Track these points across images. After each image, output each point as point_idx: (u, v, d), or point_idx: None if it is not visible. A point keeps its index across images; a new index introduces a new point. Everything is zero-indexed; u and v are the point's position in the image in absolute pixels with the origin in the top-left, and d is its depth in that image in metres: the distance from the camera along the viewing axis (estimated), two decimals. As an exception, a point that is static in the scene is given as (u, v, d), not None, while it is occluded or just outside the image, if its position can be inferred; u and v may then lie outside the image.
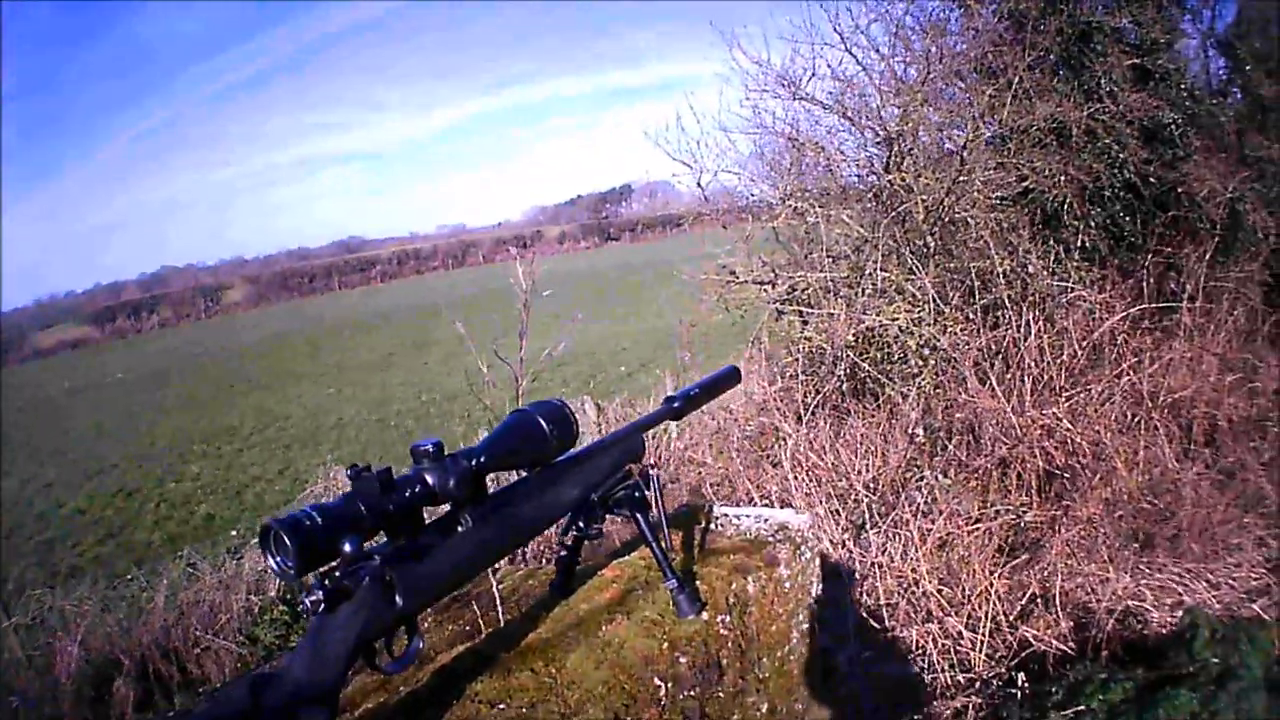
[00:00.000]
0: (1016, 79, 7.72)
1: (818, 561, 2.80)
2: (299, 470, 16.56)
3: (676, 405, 2.53)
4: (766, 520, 2.82)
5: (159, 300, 75.59)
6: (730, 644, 2.35)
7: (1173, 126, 8.60)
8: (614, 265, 53.90)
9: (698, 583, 2.40)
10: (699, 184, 8.73)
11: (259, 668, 4.16)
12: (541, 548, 5.30)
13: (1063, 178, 8.19)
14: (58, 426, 29.81)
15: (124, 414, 29.87)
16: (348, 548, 1.64)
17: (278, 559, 1.63)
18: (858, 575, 4.70)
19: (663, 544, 2.33)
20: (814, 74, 8.31)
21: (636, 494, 2.34)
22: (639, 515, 2.33)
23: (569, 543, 2.45)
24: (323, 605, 1.66)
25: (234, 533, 11.47)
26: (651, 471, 2.37)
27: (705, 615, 2.32)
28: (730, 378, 2.79)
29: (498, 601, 2.54)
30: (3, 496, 19.11)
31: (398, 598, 1.78)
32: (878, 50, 8.37)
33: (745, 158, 8.81)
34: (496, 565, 2.35)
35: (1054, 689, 4.06)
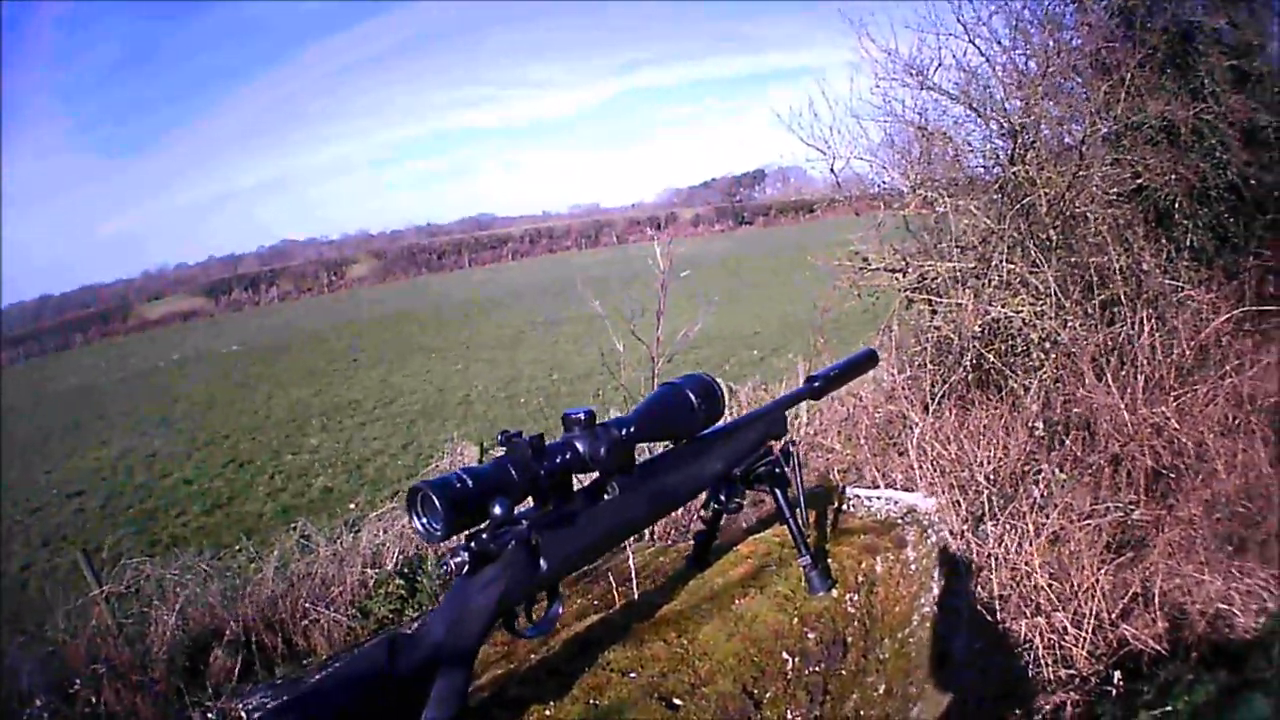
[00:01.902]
0: (1129, 75, 7.63)
1: (941, 546, 2.80)
2: (423, 445, 16.48)
3: (817, 385, 2.53)
4: (896, 503, 2.84)
5: (278, 274, 75.53)
6: (856, 623, 2.37)
7: (1270, 129, 8.46)
8: (747, 249, 53.40)
9: (829, 560, 2.42)
10: (832, 170, 8.71)
11: (390, 631, 4.17)
12: (668, 528, 5.33)
13: (1173, 176, 8.08)
14: (165, 397, 29.79)
15: (238, 386, 29.89)
16: (498, 510, 1.65)
17: (424, 520, 1.65)
18: (974, 566, 4.69)
19: (800, 520, 2.34)
20: (940, 64, 8.30)
21: (777, 470, 2.35)
22: (778, 491, 2.34)
23: (708, 516, 2.47)
24: (467, 567, 1.68)
25: (352, 506, 11.41)
26: (791, 449, 2.38)
27: (835, 593, 2.34)
28: (868, 360, 2.79)
29: (632, 574, 2.56)
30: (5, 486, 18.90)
31: (542, 562, 1.80)
32: (999, 42, 8.34)
33: (876, 145, 8.78)
34: (630, 540, 2.36)
35: (1145, 688, 4.04)
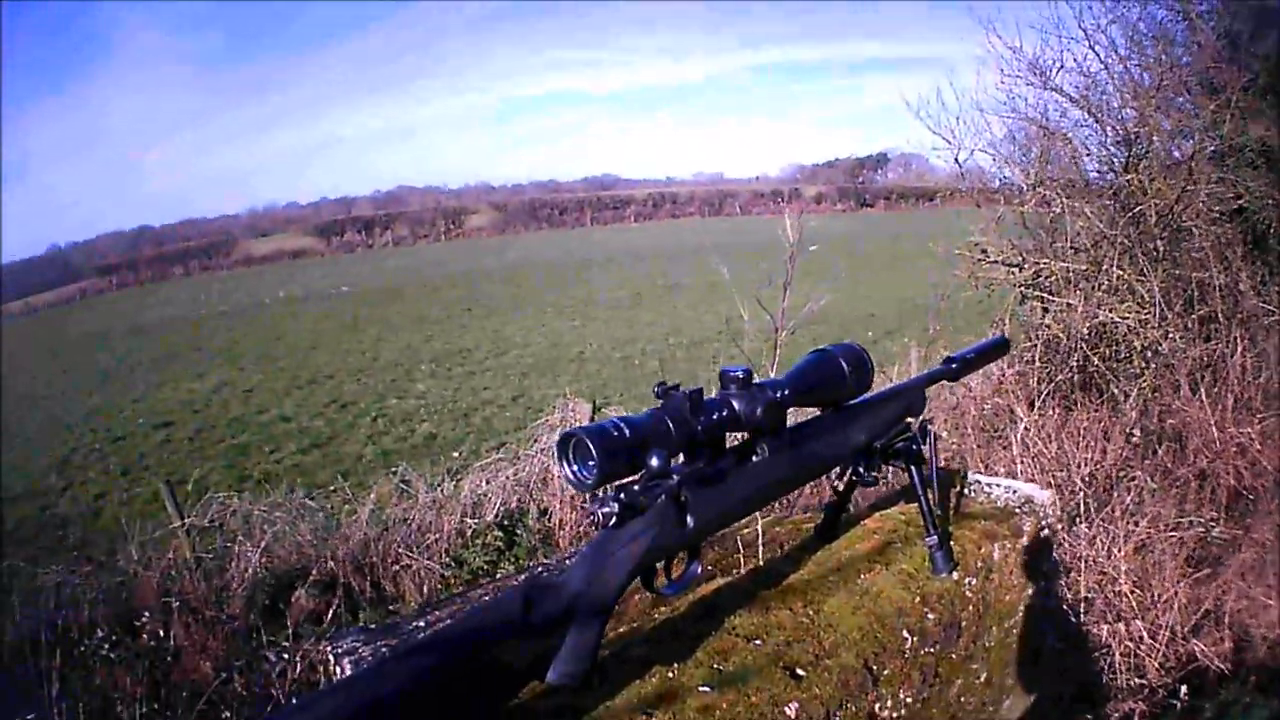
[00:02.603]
0: (1234, 98, 7.61)
1: (1050, 538, 2.85)
2: (533, 399, 16.10)
3: (955, 366, 2.57)
4: (1015, 492, 2.88)
5: (394, 218, 74.95)
6: (971, 607, 2.41)
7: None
8: (867, 231, 52.48)
9: (951, 543, 2.47)
10: (956, 160, 8.80)
11: (534, 573, 4.19)
12: (790, 503, 5.37)
13: (1271, 200, 8.04)
14: (267, 334, 29.63)
15: (347, 328, 29.39)
16: (655, 461, 1.66)
17: (575, 468, 1.66)
18: (1064, 567, 4.72)
19: (930, 500, 2.38)
20: (1061, 66, 8.33)
21: (914, 447, 2.39)
22: (914, 468, 2.38)
23: (841, 488, 2.53)
24: (615, 519, 1.68)
25: (456, 454, 11.23)
26: (930, 427, 2.42)
27: (955, 575, 2.38)
28: (1000, 347, 2.84)
29: (759, 541, 2.62)
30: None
31: (689, 519, 1.82)
32: (1117, 51, 8.34)
33: (998, 140, 8.87)
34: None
35: (1207, 705, 4.06)
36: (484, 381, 19.55)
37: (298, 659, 5.27)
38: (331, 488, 8.48)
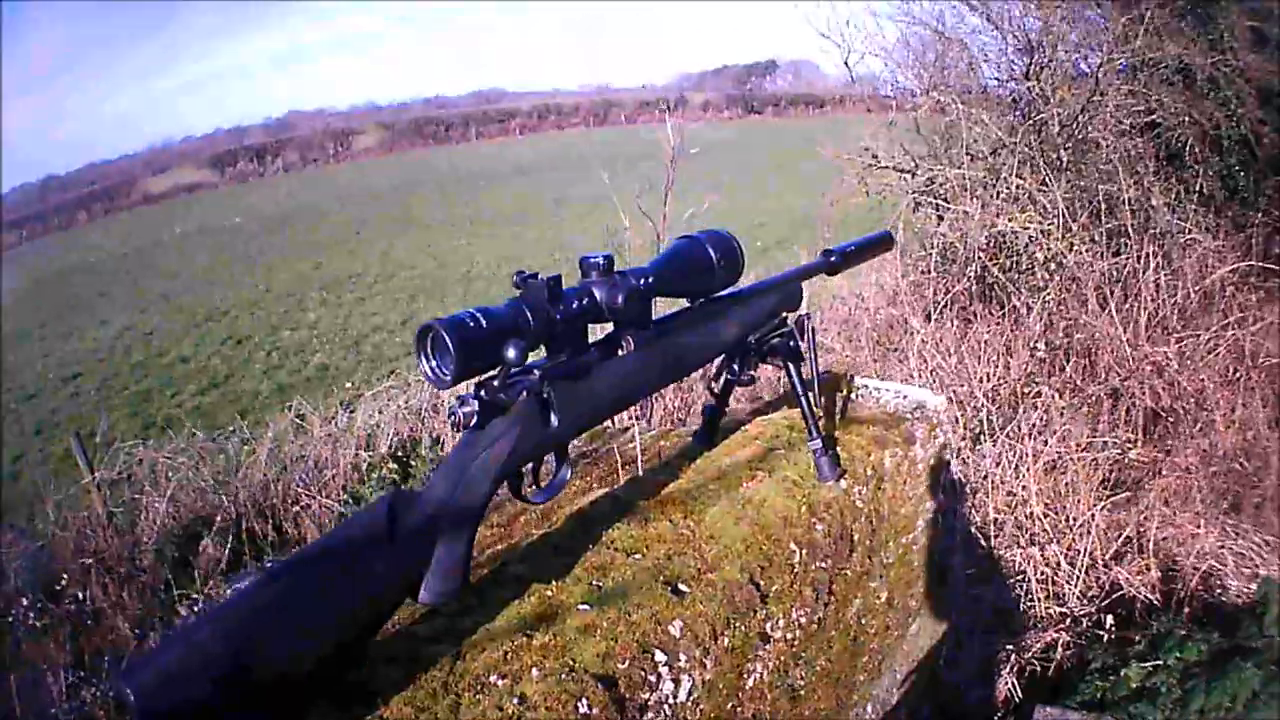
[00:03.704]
0: (1149, 13, 7.65)
1: (947, 451, 2.77)
2: (423, 321, 15.75)
3: (834, 260, 2.47)
4: (905, 397, 2.79)
5: (284, 144, 73.76)
6: (864, 519, 2.33)
7: (1284, 93, 8.47)
8: (755, 138, 52.23)
9: (838, 449, 2.37)
10: (846, 64, 8.88)
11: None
12: (668, 414, 5.31)
13: (1186, 119, 8.17)
14: (165, 273, 29.44)
15: (240, 260, 29.42)
16: (512, 353, 1.57)
17: (433, 363, 1.58)
18: (970, 487, 4.68)
19: (812, 402, 2.29)
20: (961, -29, 8.27)
21: (792, 343, 2.30)
22: (791, 365, 2.29)
23: (717, 389, 2.43)
24: (475, 418, 1.61)
25: (349, 384, 11.23)
26: (807, 322, 2.33)
27: (844, 484, 2.29)
28: (883, 242, 2.74)
29: (638, 451, 2.52)
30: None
31: (554, 418, 1.75)
32: (1022, -42, 8.29)
33: (891, 45, 8.96)
34: (633, 416, 2.32)
35: (1137, 637, 4.02)
36: (373, 307, 19.90)
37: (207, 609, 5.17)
38: (230, 429, 8.37)
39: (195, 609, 5.24)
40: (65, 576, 5.76)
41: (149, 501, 6.59)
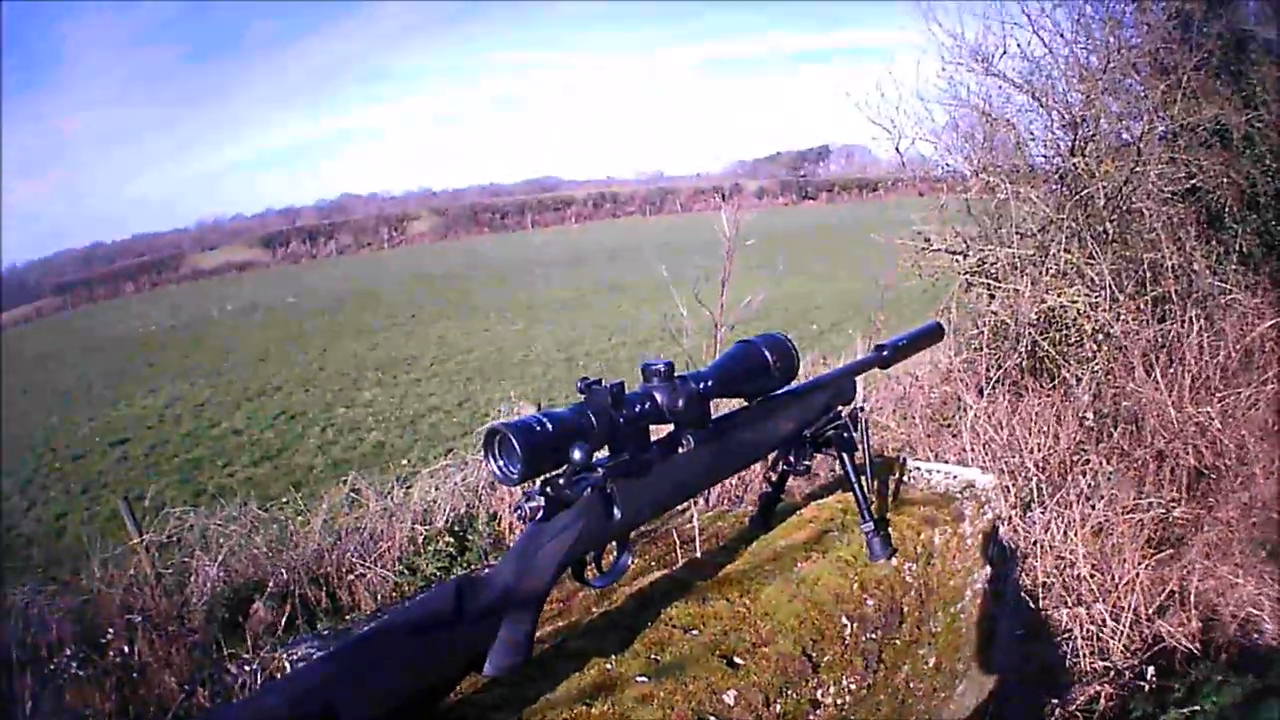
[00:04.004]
0: (1185, 78, 7.68)
1: (997, 522, 2.83)
2: (479, 404, 16.09)
3: (885, 354, 2.54)
4: (955, 477, 2.86)
5: (338, 227, 74.06)
6: (913, 593, 2.40)
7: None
8: (809, 224, 51.66)
9: (889, 529, 2.44)
10: (897, 149, 8.81)
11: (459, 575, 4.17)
12: (724, 495, 5.34)
13: (1224, 180, 8.13)
14: (216, 347, 29.33)
15: (293, 338, 29.20)
16: (577, 454, 1.66)
17: (500, 463, 1.66)
18: (1020, 553, 4.71)
19: (864, 487, 2.36)
20: (1004, 51, 8.36)
21: (845, 434, 2.38)
22: (845, 455, 2.37)
23: (774, 478, 2.51)
24: (542, 512, 1.69)
25: (405, 461, 11.10)
26: (860, 415, 2.41)
27: (894, 561, 2.37)
28: (934, 333, 2.80)
29: (696, 532, 2.59)
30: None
31: (616, 511, 1.82)
32: (1062, 35, 8.37)
33: (940, 128, 8.89)
34: (693, 502, 2.39)
35: (1176, 686, 4.04)
36: (430, 388, 19.57)
37: (258, 669, 5.21)
38: (284, 500, 8.36)
39: (247, 669, 5.29)
40: (110, 631, 5.72)
41: (199, 565, 6.63)
